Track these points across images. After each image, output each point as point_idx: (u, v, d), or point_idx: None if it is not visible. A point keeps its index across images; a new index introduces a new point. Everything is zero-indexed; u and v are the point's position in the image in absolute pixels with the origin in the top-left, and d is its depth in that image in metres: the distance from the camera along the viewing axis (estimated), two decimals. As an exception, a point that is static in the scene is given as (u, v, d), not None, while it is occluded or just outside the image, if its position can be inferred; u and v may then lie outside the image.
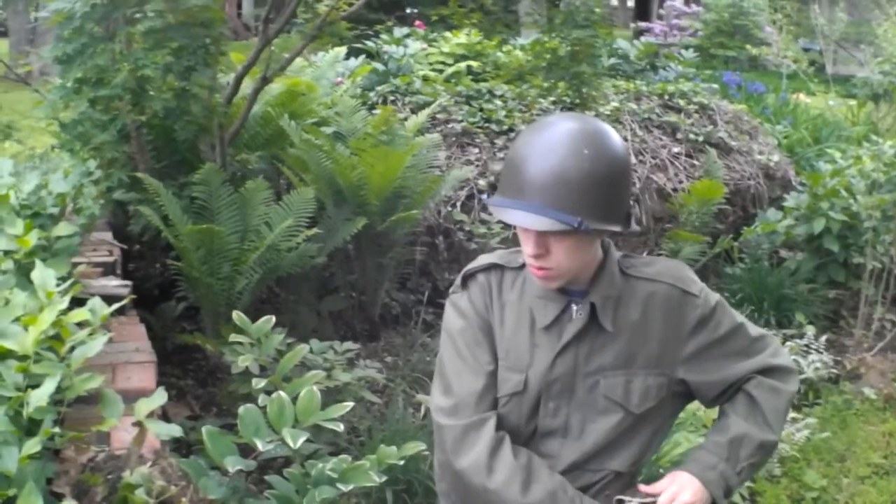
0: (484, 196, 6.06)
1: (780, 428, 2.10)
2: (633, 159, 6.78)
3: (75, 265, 3.77)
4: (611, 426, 1.99)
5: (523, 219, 1.85)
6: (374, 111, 6.22)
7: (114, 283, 4.24)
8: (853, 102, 10.73)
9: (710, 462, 2.03)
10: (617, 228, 1.90)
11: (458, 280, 2.10)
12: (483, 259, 2.11)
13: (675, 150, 7.10)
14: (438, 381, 2.08)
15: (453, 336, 2.06)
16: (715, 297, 2.07)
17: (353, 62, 7.86)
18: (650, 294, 2.01)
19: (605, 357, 1.98)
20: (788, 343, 5.56)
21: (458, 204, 6.09)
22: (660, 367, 2.01)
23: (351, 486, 3.07)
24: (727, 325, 2.05)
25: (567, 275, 1.95)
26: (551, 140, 1.85)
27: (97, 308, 2.99)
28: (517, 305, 2.03)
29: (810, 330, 5.79)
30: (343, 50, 7.39)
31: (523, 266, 2.02)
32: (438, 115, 6.62)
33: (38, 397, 2.39)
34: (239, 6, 21.68)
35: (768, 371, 2.09)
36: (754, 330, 2.11)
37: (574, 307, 1.98)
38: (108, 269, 4.51)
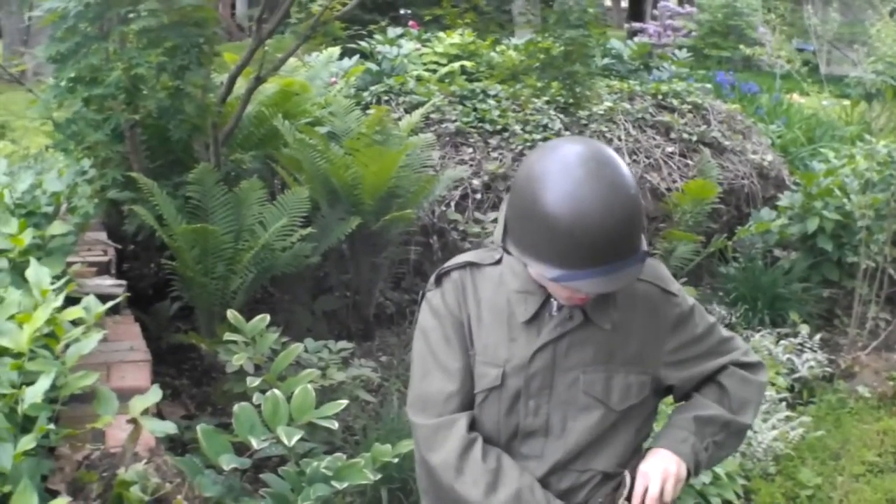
0: (477, 195, 6.09)
1: (750, 414, 2.14)
2: (627, 159, 6.78)
3: (70, 264, 3.78)
4: (593, 423, 1.99)
5: (614, 283, 1.82)
6: (368, 111, 6.22)
7: (108, 283, 4.25)
8: (847, 102, 10.75)
9: (681, 436, 2.05)
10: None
11: (433, 278, 2.10)
12: (458, 258, 2.11)
13: (669, 149, 7.10)
14: (411, 378, 2.09)
15: (426, 334, 2.07)
16: (691, 298, 2.12)
17: (347, 62, 7.85)
18: (632, 293, 1.99)
19: (585, 353, 1.97)
20: (783, 342, 5.57)
21: (452, 203, 6.09)
22: (641, 365, 2.01)
23: (346, 484, 3.08)
24: (703, 325, 2.10)
25: None
26: (593, 193, 1.77)
27: (91, 306, 3.00)
28: (494, 301, 2.02)
29: (804, 329, 5.80)
30: (337, 50, 7.39)
31: (499, 261, 2.02)
32: (432, 115, 6.62)
33: (33, 394, 2.39)
34: (233, 6, 21.67)
35: (739, 365, 2.14)
36: (724, 332, 2.17)
37: (554, 303, 1.97)
38: (102, 269, 4.52)
